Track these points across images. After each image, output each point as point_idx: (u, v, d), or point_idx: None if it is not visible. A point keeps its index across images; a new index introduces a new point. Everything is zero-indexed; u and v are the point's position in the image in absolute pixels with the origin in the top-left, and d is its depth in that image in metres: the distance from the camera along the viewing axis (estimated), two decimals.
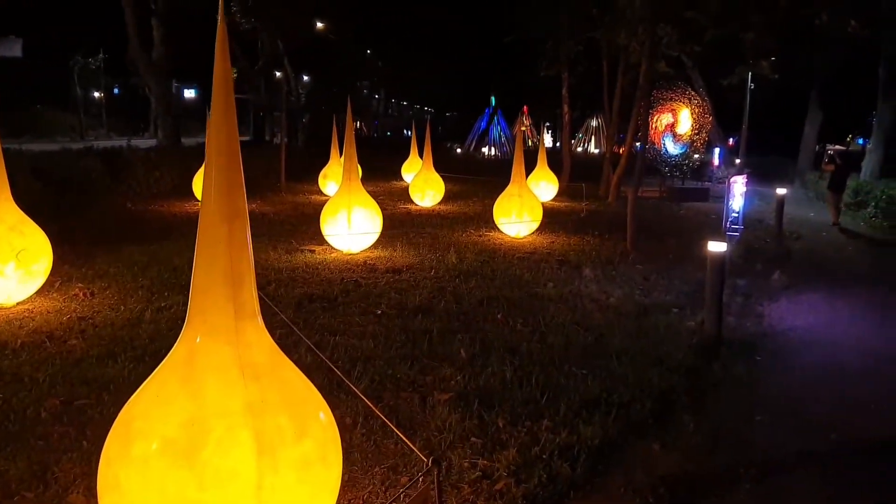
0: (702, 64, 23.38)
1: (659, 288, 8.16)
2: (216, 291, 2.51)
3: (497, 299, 7.28)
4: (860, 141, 47.75)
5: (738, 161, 22.30)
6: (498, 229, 11.58)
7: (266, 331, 2.69)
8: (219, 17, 2.55)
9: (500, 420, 4.27)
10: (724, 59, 19.89)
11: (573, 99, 24.08)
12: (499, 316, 6.66)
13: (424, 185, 15.03)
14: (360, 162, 18.84)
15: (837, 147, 37.34)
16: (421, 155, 16.82)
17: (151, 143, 25.38)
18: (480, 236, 11.46)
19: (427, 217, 13.56)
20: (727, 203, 7.76)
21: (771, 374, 5.55)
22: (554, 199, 16.95)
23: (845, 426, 4.56)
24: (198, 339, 2.54)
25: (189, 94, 51.22)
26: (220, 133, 2.58)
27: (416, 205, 15.17)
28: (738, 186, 8.00)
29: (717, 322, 6.18)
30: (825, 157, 18.56)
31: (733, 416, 4.65)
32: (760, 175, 26.04)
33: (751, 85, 20.85)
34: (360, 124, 47.37)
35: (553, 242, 11.07)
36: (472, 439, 4.03)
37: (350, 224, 9.20)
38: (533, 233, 11.52)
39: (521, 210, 11.19)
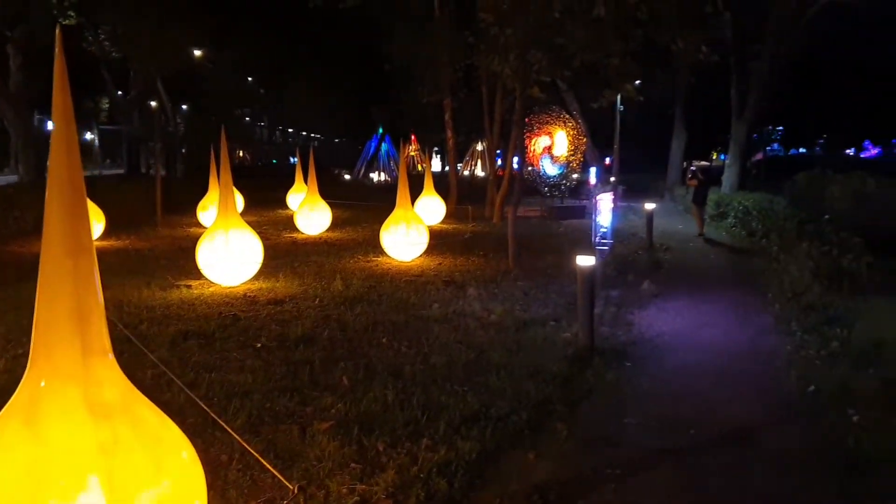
0: (575, 88, 24.66)
1: (538, 302, 8.48)
2: (61, 329, 2.42)
3: (383, 324, 7.31)
4: (722, 157, 51.89)
5: (612, 179, 23.55)
6: (385, 254, 11.64)
7: (118, 368, 2.60)
8: (56, 50, 2.48)
9: (380, 444, 4.29)
10: (595, 82, 21.05)
11: (457, 124, 24.71)
12: (383, 340, 6.69)
13: (310, 213, 14.87)
14: (244, 191, 18.48)
15: (701, 163, 40.24)
16: (306, 182, 16.65)
17: (12, 178, 23.65)
18: (368, 262, 11.47)
19: (313, 245, 13.42)
20: (594, 219, 8.19)
21: (639, 378, 5.90)
22: (442, 222, 17.25)
23: (702, 422, 4.91)
24: (42, 382, 2.43)
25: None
26: (62, 167, 2.50)
27: (302, 233, 14.98)
28: (605, 203, 8.47)
29: (589, 332, 6.50)
30: (688, 172, 20.01)
31: (604, 421, 4.91)
32: (635, 191, 27.70)
33: (620, 107, 22.15)
34: (244, 153, 46.29)
35: (440, 264, 11.25)
36: (352, 465, 4.03)
37: (228, 256, 8.95)
38: (420, 256, 11.66)
39: (408, 234, 11.32)
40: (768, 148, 44.17)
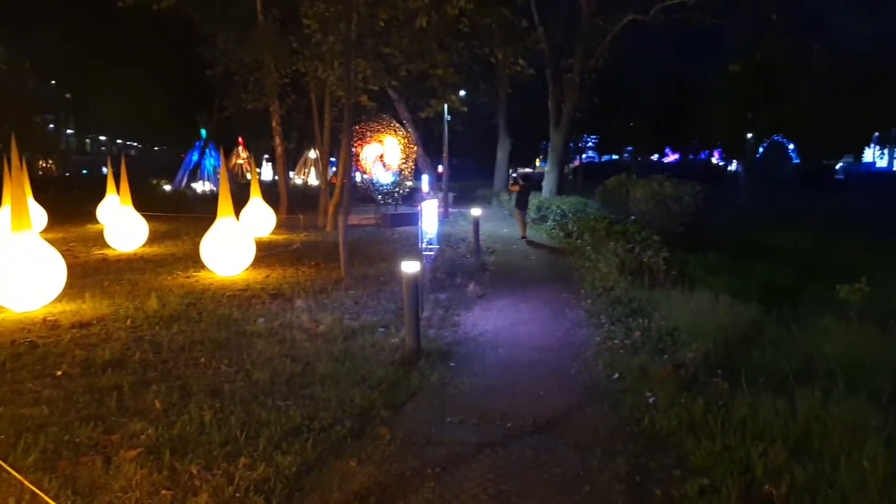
0: (406, 97, 25.10)
1: (368, 310, 8.50)
2: None
3: (202, 342, 6.95)
4: (544, 164, 55.25)
5: (443, 186, 24.23)
6: (207, 269, 11.09)
7: None
8: None
9: (194, 467, 4.07)
10: (424, 92, 21.57)
11: (287, 130, 24.18)
12: (202, 359, 6.36)
13: (123, 227, 13.80)
14: (48, 205, 16.75)
15: (524, 170, 42.57)
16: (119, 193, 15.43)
17: None
18: (188, 277, 10.86)
19: (127, 262, 12.47)
20: (419, 226, 8.37)
21: (462, 377, 6.10)
22: (272, 233, 16.77)
23: (518, 413, 5.18)
24: None
25: None
26: None
27: (115, 249, 13.86)
28: (429, 210, 8.69)
29: (415, 336, 6.61)
30: (510, 179, 21.09)
31: (426, 421, 5.01)
32: (466, 198, 28.73)
33: (448, 117, 22.87)
34: (47, 163, 41.95)
35: (268, 277, 10.92)
36: (163, 492, 3.79)
37: (20, 277, 8.06)
38: (246, 269, 11.24)
39: (231, 246, 10.86)
40: (585, 155, 47.74)
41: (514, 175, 19.18)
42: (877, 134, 27.97)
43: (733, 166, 35.03)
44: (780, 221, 18.45)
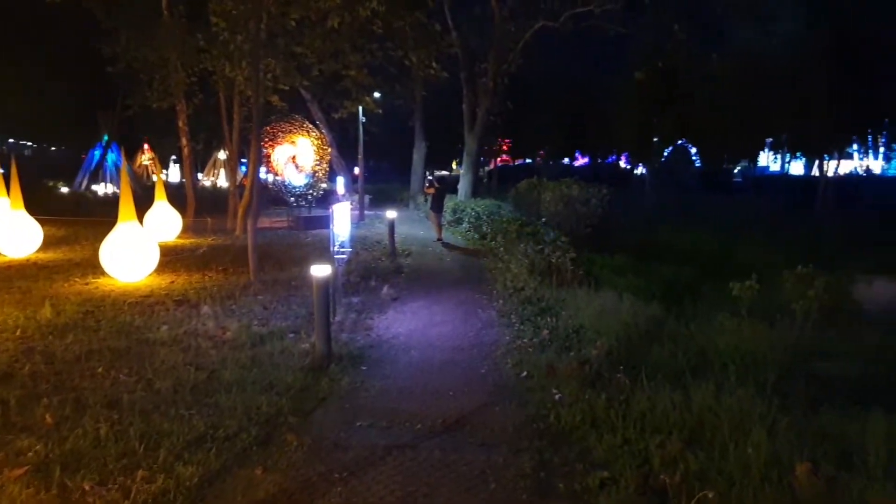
0: (319, 97, 24.76)
1: (278, 315, 8.34)
2: None
3: (100, 352, 6.62)
4: (461, 166, 55.75)
5: (359, 188, 24.07)
6: (108, 275, 10.57)
7: None
8: None
9: (87, 483, 3.88)
10: (338, 93, 21.36)
11: (195, 131, 23.36)
12: (99, 370, 6.06)
13: (13, 232, 12.95)
14: None
15: (440, 173, 42.92)
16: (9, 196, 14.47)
17: None
18: (86, 284, 10.31)
19: (18, 269, 11.70)
20: (331, 229, 8.29)
21: (373, 380, 6.08)
22: (179, 237, 16.16)
23: (428, 414, 5.22)
24: None
25: None
26: None
27: (5, 255, 12.99)
28: (341, 213, 8.62)
29: (326, 340, 6.54)
30: (425, 181, 21.20)
31: (335, 426, 4.97)
32: (383, 200, 28.61)
33: (363, 118, 22.72)
34: None
35: (172, 283, 10.52)
36: None
37: None
38: (150, 275, 10.80)
39: (133, 251, 10.40)
40: (500, 158, 48.53)
41: (430, 177, 19.28)
42: (770, 140, 29.86)
43: (640, 170, 36.50)
44: (682, 223, 19.41)
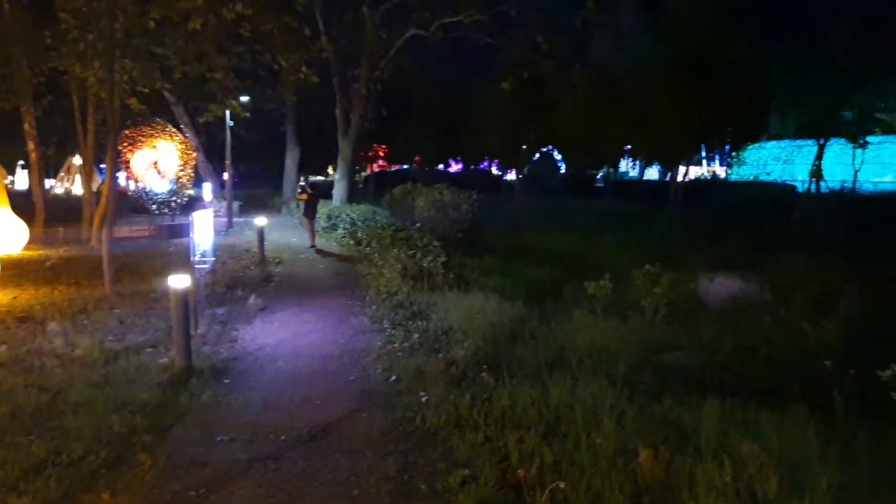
0: (185, 100, 23.67)
1: (135, 330, 7.90)
2: None
3: None
4: (337, 171, 55.03)
5: (227, 195, 23.23)
6: None
7: None
8: None
9: None
10: (204, 95, 20.51)
11: (45, 134, 21.61)
12: None
13: None
14: None
15: (314, 178, 42.28)
16: None
17: None
18: None
19: None
20: (191, 237, 7.97)
21: (236, 393, 5.91)
22: (25, 249, 14.88)
23: (294, 425, 5.15)
24: None
25: None
26: None
27: None
28: (202, 220, 8.30)
29: (186, 354, 6.28)
30: (298, 187, 20.85)
31: (194, 443, 4.79)
32: (254, 206, 27.74)
33: (230, 122, 21.96)
34: None
35: (15, 298, 9.69)
36: None
37: None
38: None
39: None
40: (377, 164, 48.52)
41: (303, 183, 18.95)
42: (628, 147, 31.93)
43: (511, 175, 37.78)
44: (548, 226, 20.30)
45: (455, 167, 52.74)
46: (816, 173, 19.46)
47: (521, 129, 30.12)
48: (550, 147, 37.49)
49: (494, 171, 44.41)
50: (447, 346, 7.28)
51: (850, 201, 20.54)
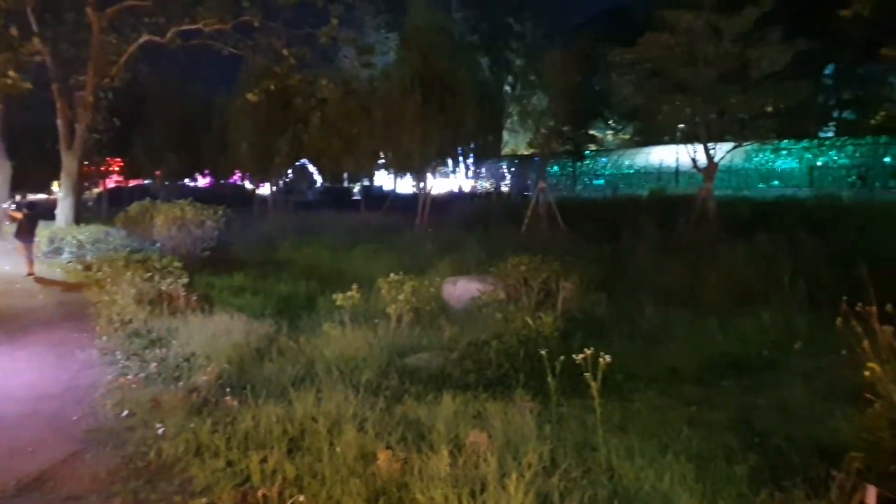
0: None
1: None
2: None
3: None
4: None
5: None
6: None
7: None
8: None
9: None
10: None
11: None
12: None
13: None
14: None
15: (36, 196, 37.42)
16: None
17: None
18: None
19: None
20: None
21: None
22: None
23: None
24: None
25: None
26: None
27: None
28: None
29: None
30: (11, 206, 18.28)
31: None
32: None
33: None
34: None
35: None
36: None
37: None
38: None
39: None
40: (112, 179, 44.13)
41: (15, 202, 16.57)
42: (382, 160, 33.09)
43: (264, 189, 36.88)
44: (304, 240, 20.12)
45: (203, 181, 50.06)
46: (541, 184, 21.86)
47: (271, 141, 29.53)
48: (305, 160, 37.29)
49: (247, 185, 42.95)
50: (189, 373, 6.91)
51: (571, 208, 23.38)
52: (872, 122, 40.33)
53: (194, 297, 9.91)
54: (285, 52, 21.46)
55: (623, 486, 4.13)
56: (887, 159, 33.45)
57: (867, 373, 4.23)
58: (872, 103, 41.25)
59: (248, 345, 7.69)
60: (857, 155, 35.48)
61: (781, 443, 4.92)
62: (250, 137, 30.01)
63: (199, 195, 20.45)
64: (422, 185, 25.79)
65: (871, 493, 3.50)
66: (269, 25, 21.25)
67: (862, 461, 3.91)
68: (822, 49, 20.02)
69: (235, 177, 45.65)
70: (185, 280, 10.01)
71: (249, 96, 21.85)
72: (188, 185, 45.72)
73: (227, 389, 6.07)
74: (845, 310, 4.76)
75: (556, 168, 42.48)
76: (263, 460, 4.66)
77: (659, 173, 38.33)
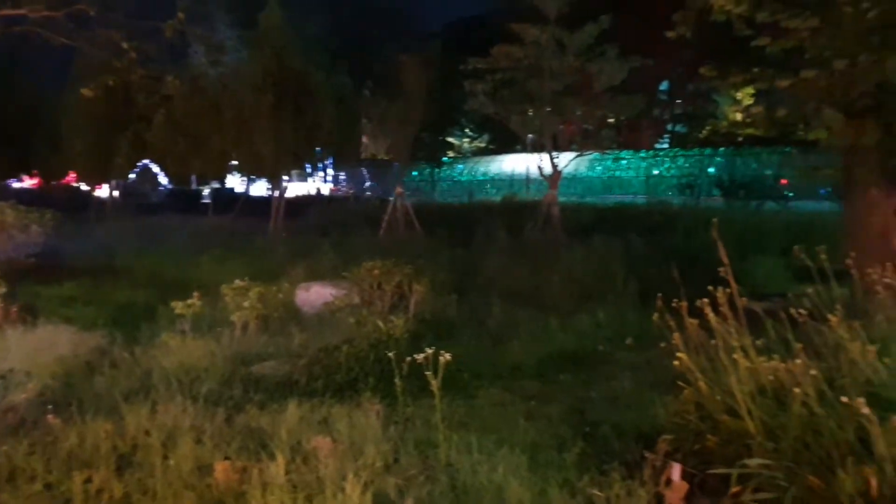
0: None
1: None
2: None
3: None
4: None
5: None
6: None
7: None
8: None
9: None
10: None
11: None
12: None
13: None
14: None
15: None
16: None
17: None
18: None
19: None
20: None
21: None
22: None
23: None
24: None
25: None
26: None
27: None
28: None
29: None
30: None
31: None
32: None
33: None
34: None
35: None
36: None
37: None
38: None
39: None
40: None
41: None
42: (233, 162, 31.73)
43: (103, 191, 34.31)
44: (147, 245, 18.92)
45: (31, 182, 45.76)
46: (398, 189, 22.04)
47: (110, 140, 27.54)
48: (149, 161, 35.09)
49: (83, 186, 39.72)
50: (5, 392, 6.30)
51: (429, 212, 23.75)
52: (699, 135, 44.55)
53: (14, 309, 9.03)
54: (125, 45, 20.10)
55: (460, 480, 4.28)
56: (711, 170, 37.11)
57: (676, 363, 4.67)
58: (700, 118, 45.58)
59: (77, 358, 7.14)
60: (687, 165, 39.06)
61: (608, 431, 5.31)
62: (86, 135, 27.82)
63: (25, 197, 18.64)
64: (276, 187, 25.15)
65: (676, 470, 3.88)
66: (108, 16, 19.85)
67: (671, 442, 4.32)
68: (655, 66, 21.77)
69: (70, 177, 42.05)
70: (2, 290, 9.09)
71: (85, 92, 20.25)
72: (13, 187, 41.66)
73: (50, 407, 5.59)
74: (660, 306, 5.26)
75: (415, 173, 43.06)
76: (88, 480, 4.36)
77: (511, 180, 40.02)
